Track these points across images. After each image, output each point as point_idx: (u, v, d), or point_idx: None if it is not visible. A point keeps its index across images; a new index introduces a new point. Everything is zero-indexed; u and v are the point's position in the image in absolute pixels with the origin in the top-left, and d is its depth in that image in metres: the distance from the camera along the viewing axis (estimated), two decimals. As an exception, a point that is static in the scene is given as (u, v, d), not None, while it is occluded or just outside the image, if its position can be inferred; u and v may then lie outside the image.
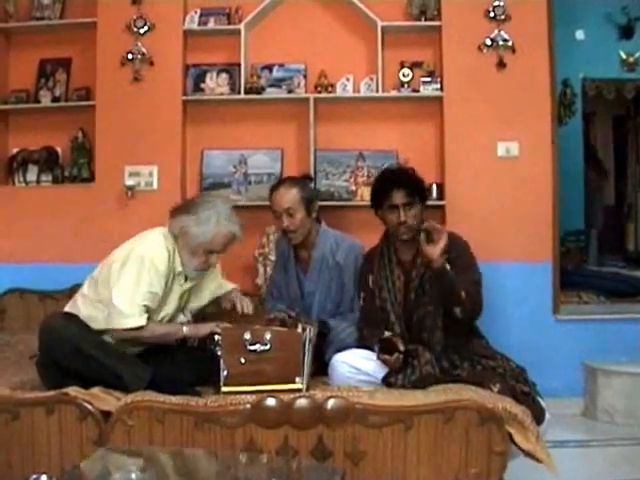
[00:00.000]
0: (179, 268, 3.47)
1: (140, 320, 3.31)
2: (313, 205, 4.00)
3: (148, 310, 3.36)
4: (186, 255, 3.46)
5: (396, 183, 3.63)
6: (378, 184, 3.75)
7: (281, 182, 4.08)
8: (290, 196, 3.92)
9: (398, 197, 3.59)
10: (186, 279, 3.53)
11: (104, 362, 3.22)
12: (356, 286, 3.88)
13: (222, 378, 3.14)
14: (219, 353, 3.22)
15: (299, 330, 3.27)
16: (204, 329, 3.45)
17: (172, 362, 3.43)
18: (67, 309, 3.49)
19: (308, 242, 4.01)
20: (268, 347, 3.15)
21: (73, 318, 3.37)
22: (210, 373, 3.28)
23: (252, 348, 3.15)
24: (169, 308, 3.53)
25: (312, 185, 4.31)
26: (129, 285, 3.31)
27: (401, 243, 3.67)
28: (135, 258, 3.36)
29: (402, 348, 3.38)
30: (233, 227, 3.48)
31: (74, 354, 3.21)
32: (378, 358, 3.42)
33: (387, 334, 3.50)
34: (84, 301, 3.46)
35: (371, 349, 3.51)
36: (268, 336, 3.17)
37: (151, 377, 3.22)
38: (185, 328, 3.45)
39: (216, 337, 3.30)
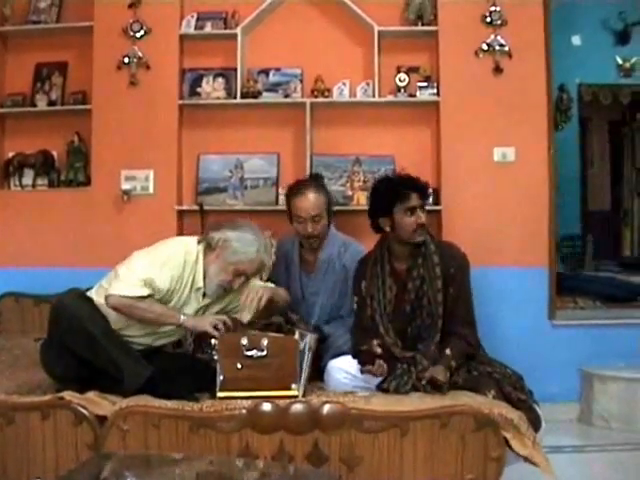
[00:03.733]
0: (199, 284, 3.46)
1: (139, 290, 3.32)
2: (332, 209, 4.05)
3: (149, 289, 3.36)
4: (215, 268, 3.44)
5: (414, 186, 3.64)
6: (391, 188, 3.69)
7: (305, 187, 4.04)
8: (318, 203, 3.94)
9: (416, 199, 3.59)
10: (204, 296, 3.51)
11: (108, 349, 3.22)
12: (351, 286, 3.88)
13: (218, 383, 3.14)
14: (215, 357, 3.22)
15: (296, 337, 3.27)
16: (203, 324, 3.37)
17: (169, 368, 3.40)
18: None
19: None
20: (265, 353, 3.15)
21: (87, 300, 3.38)
22: (205, 382, 3.26)
23: (249, 354, 3.15)
24: None
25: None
26: (137, 265, 3.37)
27: (398, 252, 3.66)
28: (150, 252, 3.45)
29: (379, 351, 3.39)
30: (268, 260, 3.58)
31: (81, 334, 3.21)
32: (362, 372, 3.42)
33: (375, 342, 3.51)
34: (98, 290, 3.49)
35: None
36: (265, 342, 3.17)
37: (150, 376, 3.20)
38: (183, 317, 3.39)
39: (213, 341, 3.29)
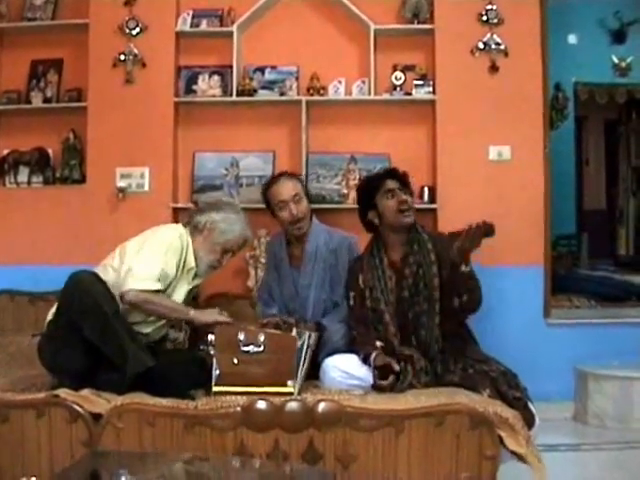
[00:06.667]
0: (192, 264, 3.62)
1: (154, 284, 3.42)
2: (310, 198, 4.14)
3: (162, 282, 3.47)
4: (204, 250, 3.63)
5: (387, 173, 3.83)
6: (368, 180, 3.93)
7: (278, 176, 4.17)
8: (293, 184, 4.03)
9: (391, 183, 3.72)
10: (195, 276, 3.66)
11: (116, 330, 3.24)
12: (345, 282, 3.88)
13: (214, 377, 3.15)
14: (212, 352, 3.22)
15: (293, 334, 3.27)
16: (209, 316, 3.49)
17: (166, 364, 3.40)
18: None
19: (301, 236, 4.04)
20: (262, 349, 3.17)
21: (101, 281, 3.38)
22: (201, 378, 3.26)
23: (246, 349, 3.17)
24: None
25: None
26: (148, 258, 3.46)
27: (392, 242, 3.69)
28: (154, 240, 3.54)
29: (397, 368, 3.38)
30: (250, 233, 3.78)
31: (92, 309, 3.22)
32: (374, 385, 3.39)
33: (379, 344, 3.51)
34: (103, 270, 3.53)
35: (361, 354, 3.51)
36: (262, 338, 3.19)
37: (151, 367, 3.22)
38: (192, 311, 3.51)
39: (210, 337, 3.31)
